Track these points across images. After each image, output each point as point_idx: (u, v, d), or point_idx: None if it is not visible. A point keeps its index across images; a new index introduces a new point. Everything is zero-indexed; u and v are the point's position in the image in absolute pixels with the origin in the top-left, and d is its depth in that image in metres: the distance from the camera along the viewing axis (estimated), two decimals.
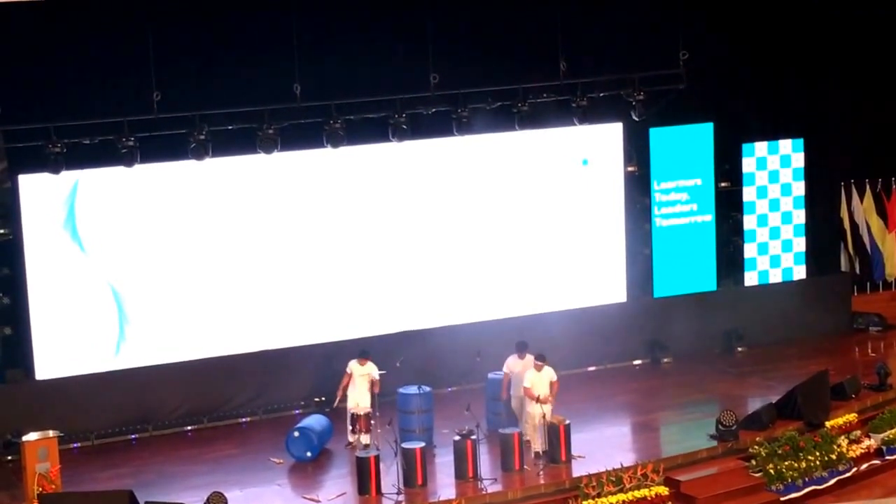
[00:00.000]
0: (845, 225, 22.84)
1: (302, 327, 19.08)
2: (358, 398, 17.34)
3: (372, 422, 16.90)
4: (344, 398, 17.54)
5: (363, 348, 17.67)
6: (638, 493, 15.88)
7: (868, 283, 23.18)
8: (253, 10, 18.19)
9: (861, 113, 22.57)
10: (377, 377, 17.35)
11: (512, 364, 17.42)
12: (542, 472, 16.36)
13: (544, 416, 16.66)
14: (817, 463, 17.01)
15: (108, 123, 17.26)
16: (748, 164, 21.63)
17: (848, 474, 17.31)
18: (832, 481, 17.10)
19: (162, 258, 18.38)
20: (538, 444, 16.81)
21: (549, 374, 16.99)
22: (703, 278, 21.38)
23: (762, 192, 21.75)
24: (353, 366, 17.48)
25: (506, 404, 17.38)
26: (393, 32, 18.96)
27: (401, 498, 15.66)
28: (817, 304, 21.98)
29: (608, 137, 20.56)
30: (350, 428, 17.32)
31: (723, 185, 21.62)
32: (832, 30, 21.89)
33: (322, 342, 19.06)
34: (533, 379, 16.94)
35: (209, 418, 18.76)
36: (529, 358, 17.15)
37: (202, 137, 17.47)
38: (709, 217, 21.38)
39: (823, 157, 22.30)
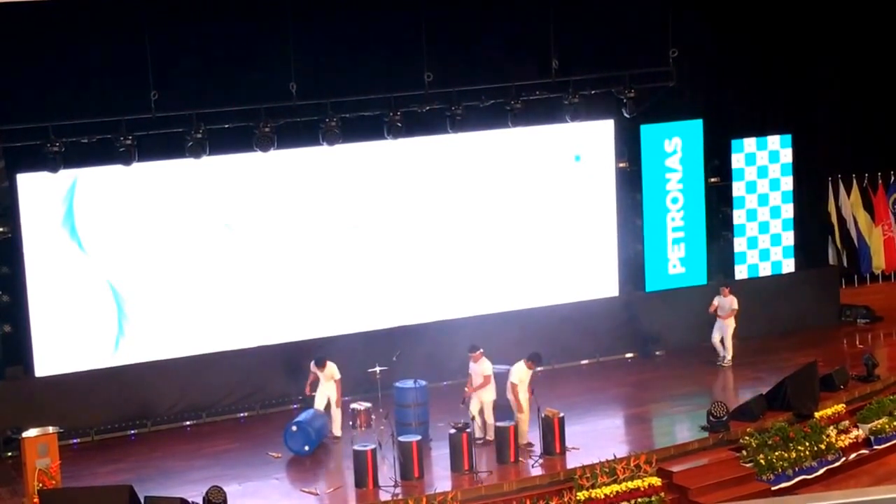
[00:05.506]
0: (833, 219, 23.00)
1: (298, 323, 19.18)
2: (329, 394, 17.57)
3: (373, 417, 17.02)
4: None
5: (318, 356, 17.72)
6: (631, 484, 16.05)
7: (856, 276, 23.42)
8: (249, 10, 18.30)
9: (848, 109, 22.76)
10: (338, 377, 17.59)
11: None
12: (536, 465, 16.51)
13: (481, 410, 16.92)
14: (807, 453, 17.20)
15: (106, 122, 17.34)
16: (737, 160, 21.79)
17: (837, 464, 17.51)
18: (821, 471, 17.31)
19: (160, 255, 18.47)
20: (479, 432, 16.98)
21: (484, 366, 17.07)
22: (694, 272, 21.57)
23: (751, 187, 21.93)
24: (322, 372, 17.59)
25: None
26: (387, 31, 19.06)
27: (397, 490, 15.77)
28: (806, 297, 22.11)
29: (600, 134, 20.70)
30: (350, 423, 17.42)
31: (712, 180, 21.77)
32: (820, 28, 22.06)
33: (319, 337, 19.11)
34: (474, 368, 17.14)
35: (207, 413, 18.86)
36: (485, 361, 17.15)
37: (199, 136, 17.56)
38: (699, 212, 21.58)
39: (811, 153, 22.47)
